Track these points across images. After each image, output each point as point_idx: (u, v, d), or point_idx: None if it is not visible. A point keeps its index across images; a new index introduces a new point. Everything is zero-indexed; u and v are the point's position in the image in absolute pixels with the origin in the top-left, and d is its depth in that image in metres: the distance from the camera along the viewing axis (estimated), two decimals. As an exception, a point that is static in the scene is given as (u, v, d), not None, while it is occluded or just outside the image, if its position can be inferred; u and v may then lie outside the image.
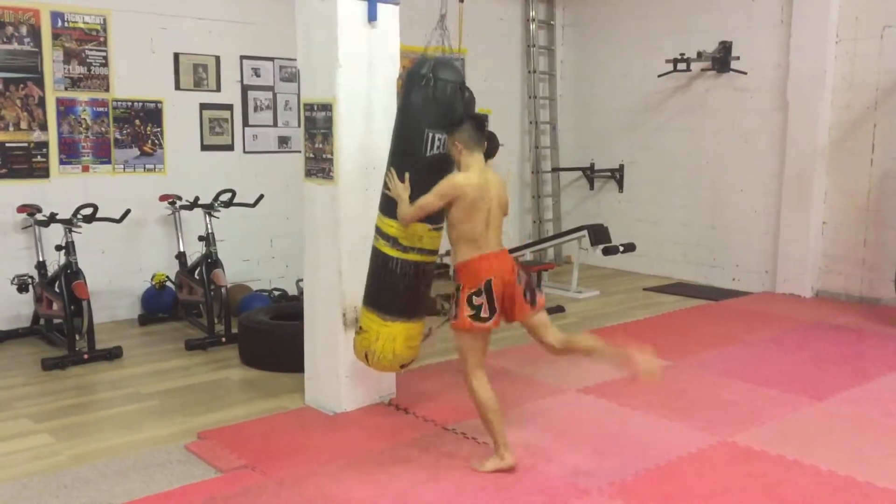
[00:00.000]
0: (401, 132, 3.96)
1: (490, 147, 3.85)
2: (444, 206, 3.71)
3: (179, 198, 6.53)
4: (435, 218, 3.88)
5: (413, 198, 3.77)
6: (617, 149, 9.11)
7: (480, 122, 3.81)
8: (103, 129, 6.41)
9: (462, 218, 3.66)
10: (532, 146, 9.33)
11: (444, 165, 3.85)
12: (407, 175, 3.82)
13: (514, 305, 3.70)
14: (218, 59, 6.95)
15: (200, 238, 6.20)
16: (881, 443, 4.12)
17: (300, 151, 4.58)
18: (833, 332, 6.32)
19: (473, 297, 3.62)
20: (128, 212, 6.00)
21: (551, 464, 3.80)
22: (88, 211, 5.70)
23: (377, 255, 4.02)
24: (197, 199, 6.44)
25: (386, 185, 3.94)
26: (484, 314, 3.62)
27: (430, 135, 3.83)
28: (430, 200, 3.70)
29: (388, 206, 3.94)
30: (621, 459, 3.87)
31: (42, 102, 6.10)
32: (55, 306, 5.58)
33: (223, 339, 5.81)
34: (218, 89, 6.98)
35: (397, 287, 3.95)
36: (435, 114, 3.83)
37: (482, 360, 3.74)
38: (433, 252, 4.06)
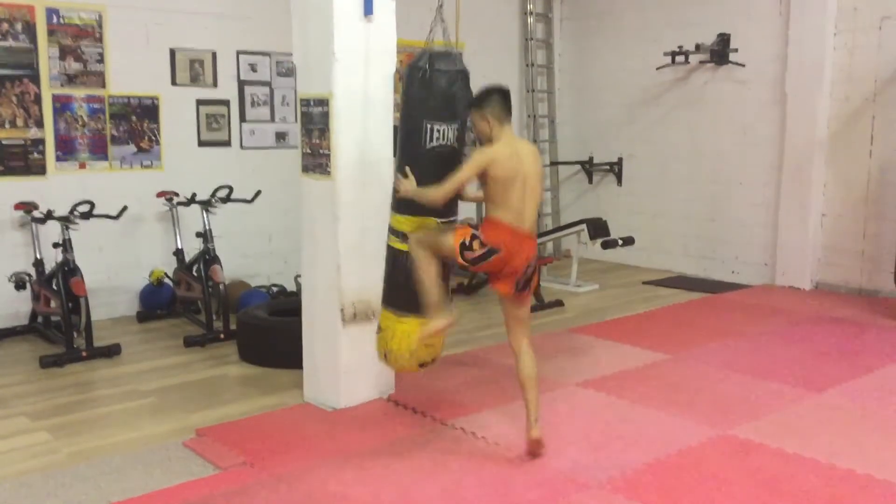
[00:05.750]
0: (402, 125, 3.93)
1: None
2: (478, 179, 3.68)
3: (177, 194, 6.50)
4: (443, 212, 3.85)
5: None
6: (615, 142, 9.09)
7: (506, 94, 3.79)
8: (100, 125, 6.39)
9: (499, 192, 3.63)
10: (530, 140, 9.30)
11: (445, 157, 3.83)
12: (408, 169, 3.80)
13: (504, 278, 3.69)
14: (214, 54, 6.92)
15: (198, 234, 6.17)
16: (881, 435, 4.12)
17: (297, 147, 4.56)
18: (832, 325, 6.31)
19: (475, 242, 3.61)
20: (125, 208, 5.98)
21: (551, 458, 3.79)
22: (85, 208, 5.69)
23: (390, 253, 4.00)
24: (194, 195, 6.42)
25: (395, 188, 3.91)
26: (469, 255, 3.63)
27: (429, 126, 3.80)
28: (464, 172, 3.66)
29: (398, 203, 3.91)
30: (621, 453, 3.87)
31: (38, 99, 6.08)
32: (53, 304, 5.57)
33: (221, 336, 5.80)
34: (214, 85, 6.95)
35: (408, 282, 3.90)
36: (432, 105, 3.80)
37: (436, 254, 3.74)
38: None
